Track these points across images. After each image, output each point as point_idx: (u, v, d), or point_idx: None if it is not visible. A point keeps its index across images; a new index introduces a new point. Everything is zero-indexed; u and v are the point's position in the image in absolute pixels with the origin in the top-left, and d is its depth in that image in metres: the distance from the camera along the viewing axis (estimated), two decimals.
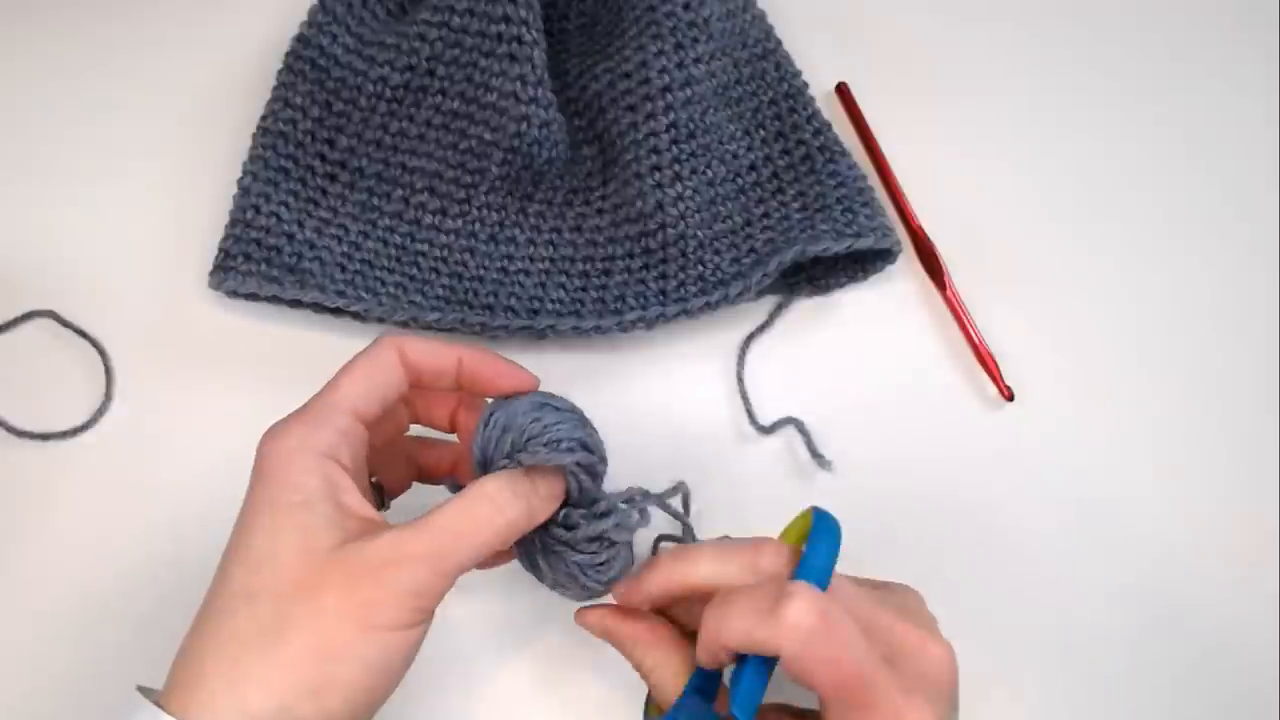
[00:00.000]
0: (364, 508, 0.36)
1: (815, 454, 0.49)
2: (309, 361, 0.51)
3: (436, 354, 0.39)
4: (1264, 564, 0.49)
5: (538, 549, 0.40)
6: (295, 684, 0.32)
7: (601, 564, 0.40)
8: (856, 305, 0.53)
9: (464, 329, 0.50)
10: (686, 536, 0.45)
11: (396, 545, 0.34)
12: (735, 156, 0.53)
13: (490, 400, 0.40)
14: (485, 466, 0.38)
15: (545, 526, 0.39)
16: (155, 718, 0.32)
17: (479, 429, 0.39)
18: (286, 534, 0.34)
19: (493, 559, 0.41)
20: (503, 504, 0.36)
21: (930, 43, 0.58)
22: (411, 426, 0.44)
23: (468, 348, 0.40)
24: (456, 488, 0.42)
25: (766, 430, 0.50)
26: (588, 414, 0.41)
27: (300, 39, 0.53)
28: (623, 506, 0.40)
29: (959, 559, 0.49)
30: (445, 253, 0.52)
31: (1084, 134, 0.56)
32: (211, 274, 0.50)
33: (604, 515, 0.39)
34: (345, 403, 0.37)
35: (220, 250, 0.50)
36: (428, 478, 0.44)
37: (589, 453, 0.39)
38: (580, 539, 0.39)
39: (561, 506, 0.39)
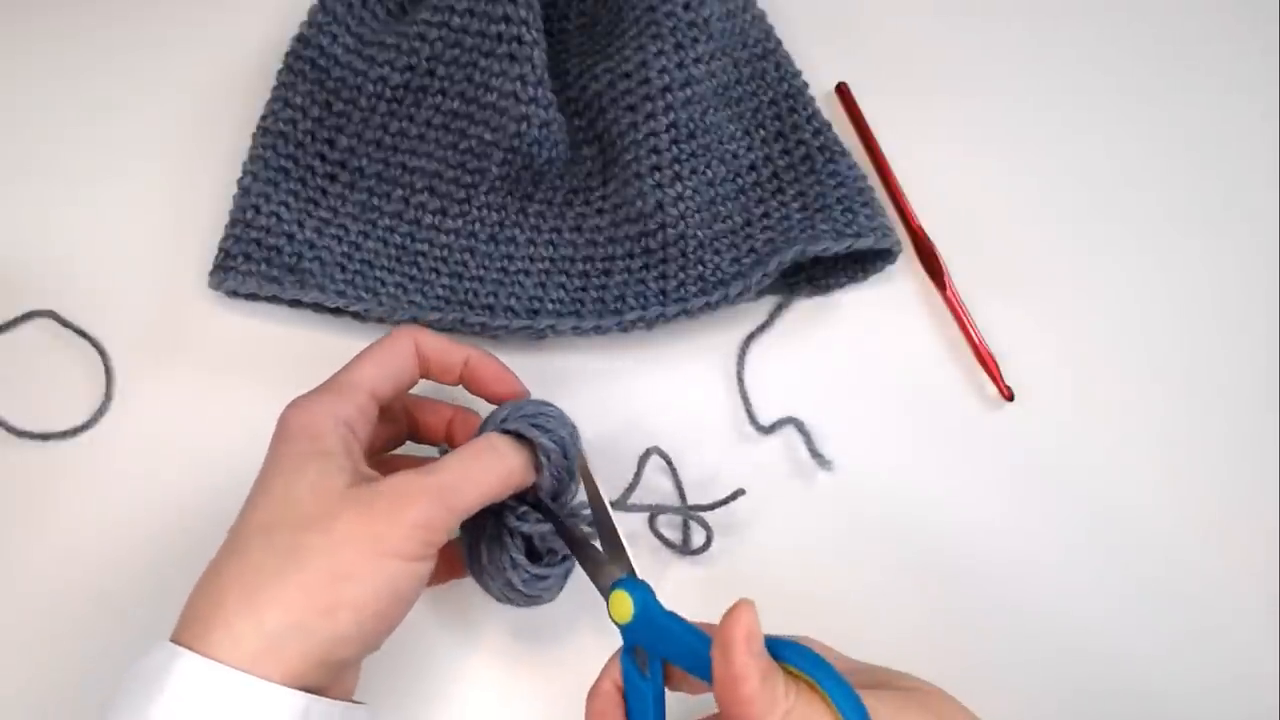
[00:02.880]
0: (372, 472, 0.38)
1: (815, 454, 0.49)
2: (309, 361, 0.51)
3: (447, 350, 0.42)
4: (1264, 563, 0.49)
5: (485, 534, 0.41)
6: (310, 604, 0.33)
7: (538, 575, 0.41)
8: (856, 305, 0.53)
9: (464, 329, 0.50)
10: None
11: (407, 480, 0.36)
12: (735, 156, 0.53)
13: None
14: None
15: (502, 515, 0.40)
16: (171, 652, 0.33)
17: (486, 421, 0.41)
18: (304, 475, 0.36)
19: (443, 574, 0.42)
20: (505, 453, 0.39)
21: (930, 43, 0.58)
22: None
23: (475, 349, 0.43)
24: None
25: (766, 430, 0.50)
26: (588, 414, 0.42)
27: (300, 39, 0.53)
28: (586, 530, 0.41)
29: (959, 559, 0.49)
30: (445, 253, 0.52)
31: (1084, 133, 0.56)
32: (211, 274, 0.50)
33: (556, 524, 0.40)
34: (365, 383, 0.40)
35: (220, 250, 0.50)
36: (422, 439, 0.45)
37: (564, 456, 0.40)
38: (531, 533, 0.40)
39: (525, 502, 0.41)
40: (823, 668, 0.31)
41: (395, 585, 0.35)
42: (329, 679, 0.35)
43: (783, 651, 0.32)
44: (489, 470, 0.38)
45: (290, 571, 0.34)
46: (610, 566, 0.39)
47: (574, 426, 0.42)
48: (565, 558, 0.42)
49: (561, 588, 0.42)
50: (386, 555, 0.35)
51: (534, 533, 0.40)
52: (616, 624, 0.37)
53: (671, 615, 0.36)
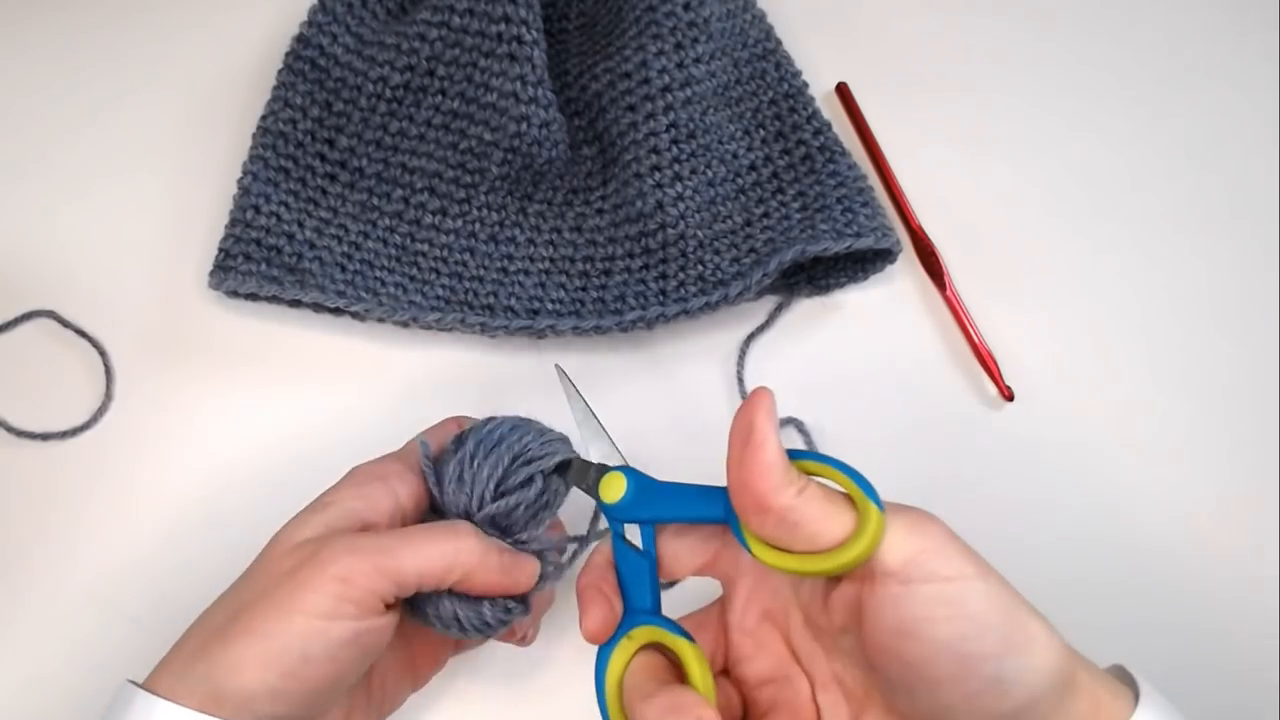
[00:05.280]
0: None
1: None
2: (309, 361, 0.52)
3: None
4: (1265, 563, 0.49)
5: None
6: (224, 659, 0.34)
7: (503, 618, 0.38)
8: (857, 305, 0.53)
9: (464, 329, 0.50)
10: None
11: (346, 538, 0.36)
12: (735, 156, 0.53)
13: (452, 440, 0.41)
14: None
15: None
16: (128, 691, 0.35)
17: (449, 473, 0.39)
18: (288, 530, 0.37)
19: (477, 640, 0.42)
20: (463, 534, 0.37)
21: (930, 43, 0.58)
22: None
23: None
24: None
25: None
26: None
27: (300, 39, 0.53)
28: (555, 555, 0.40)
29: None
30: (445, 253, 0.52)
31: (1084, 134, 0.56)
32: (211, 274, 0.50)
33: (530, 538, 0.39)
34: (410, 454, 0.41)
35: (220, 250, 0.50)
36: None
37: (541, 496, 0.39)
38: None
39: (507, 511, 0.39)
40: (834, 460, 0.33)
41: (302, 645, 0.34)
42: None
43: (793, 454, 0.33)
44: (435, 544, 0.36)
45: (226, 627, 0.35)
46: (598, 465, 0.39)
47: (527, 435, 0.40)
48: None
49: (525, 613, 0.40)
50: (294, 612, 0.34)
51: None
52: (607, 506, 0.37)
53: (666, 483, 0.37)
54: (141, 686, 0.35)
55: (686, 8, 0.51)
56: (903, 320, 0.53)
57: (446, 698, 0.46)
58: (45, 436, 0.50)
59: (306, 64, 0.52)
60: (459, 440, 0.40)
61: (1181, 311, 0.53)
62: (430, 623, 0.39)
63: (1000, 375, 0.51)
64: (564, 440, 0.41)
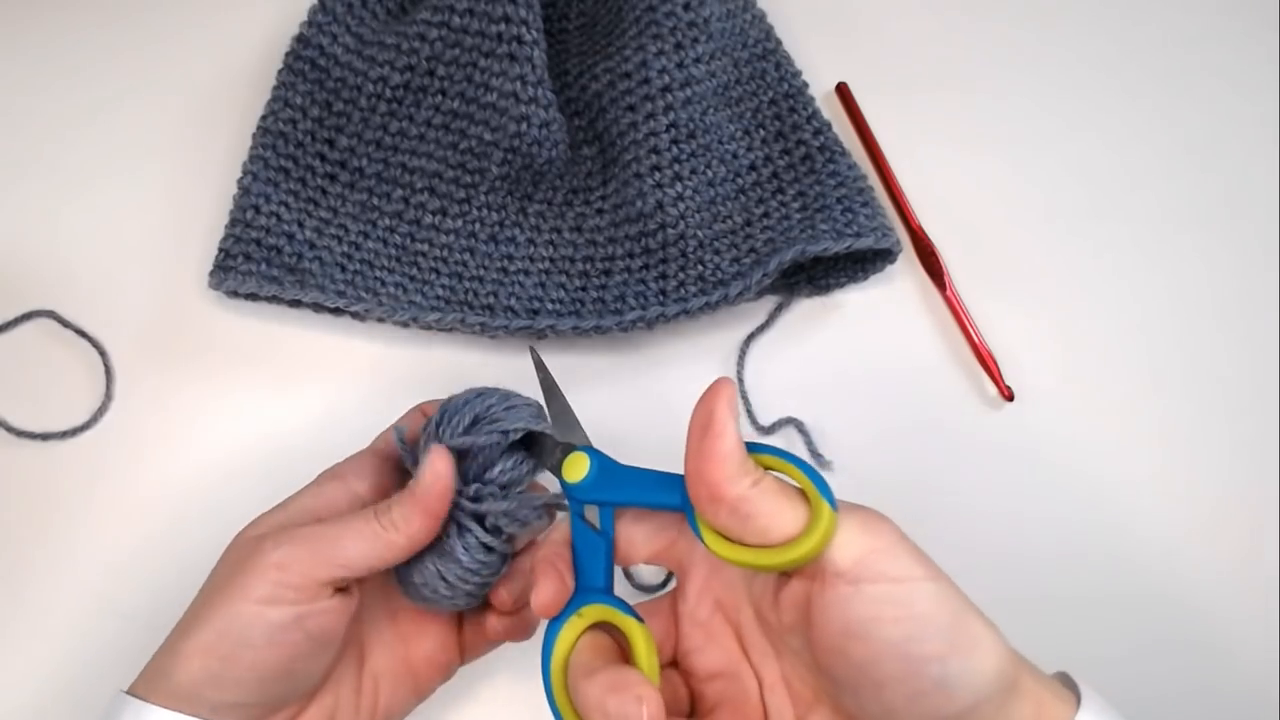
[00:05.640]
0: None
1: (815, 454, 0.49)
2: (309, 361, 0.52)
3: None
4: (1264, 563, 0.49)
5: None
6: (172, 648, 0.36)
7: (484, 545, 0.39)
8: (857, 305, 0.53)
9: (464, 329, 0.50)
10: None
11: (294, 529, 0.37)
12: (735, 156, 0.53)
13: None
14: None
15: (455, 501, 0.39)
16: (118, 698, 0.36)
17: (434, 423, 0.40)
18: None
19: (478, 645, 0.42)
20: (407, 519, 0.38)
21: (930, 43, 0.58)
22: None
23: None
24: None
25: (766, 430, 0.50)
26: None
27: (300, 39, 0.53)
28: (533, 500, 0.40)
29: (958, 558, 0.49)
30: (445, 253, 0.52)
31: (1084, 134, 0.56)
32: (211, 274, 0.50)
33: (511, 500, 0.39)
34: (378, 444, 0.42)
35: (220, 250, 0.50)
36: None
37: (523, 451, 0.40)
38: (482, 510, 0.39)
39: (474, 482, 0.39)
40: (791, 456, 0.33)
41: (240, 629, 0.35)
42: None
43: (752, 447, 0.33)
44: (369, 524, 0.37)
45: (184, 623, 0.37)
46: (564, 444, 0.39)
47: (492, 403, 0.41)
48: (507, 538, 0.40)
49: (498, 573, 0.40)
50: (236, 599, 0.35)
51: (489, 510, 0.39)
52: (569, 485, 0.37)
53: (628, 466, 0.37)
54: (127, 692, 0.36)
55: (686, 8, 0.51)
56: (903, 320, 0.53)
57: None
58: (45, 436, 0.50)
59: (306, 64, 0.52)
60: (429, 419, 0.41)
61: (1181, 311, 0.53)
62: (420, 594, 0.39)
63: (1000, 375, 0.51)
64: (530, 406, 0.41)
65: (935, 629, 0.31)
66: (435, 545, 0.39)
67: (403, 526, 0.37)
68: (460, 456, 0.39)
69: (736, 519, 0.32)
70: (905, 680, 0.30)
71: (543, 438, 0.40)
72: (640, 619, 0.35)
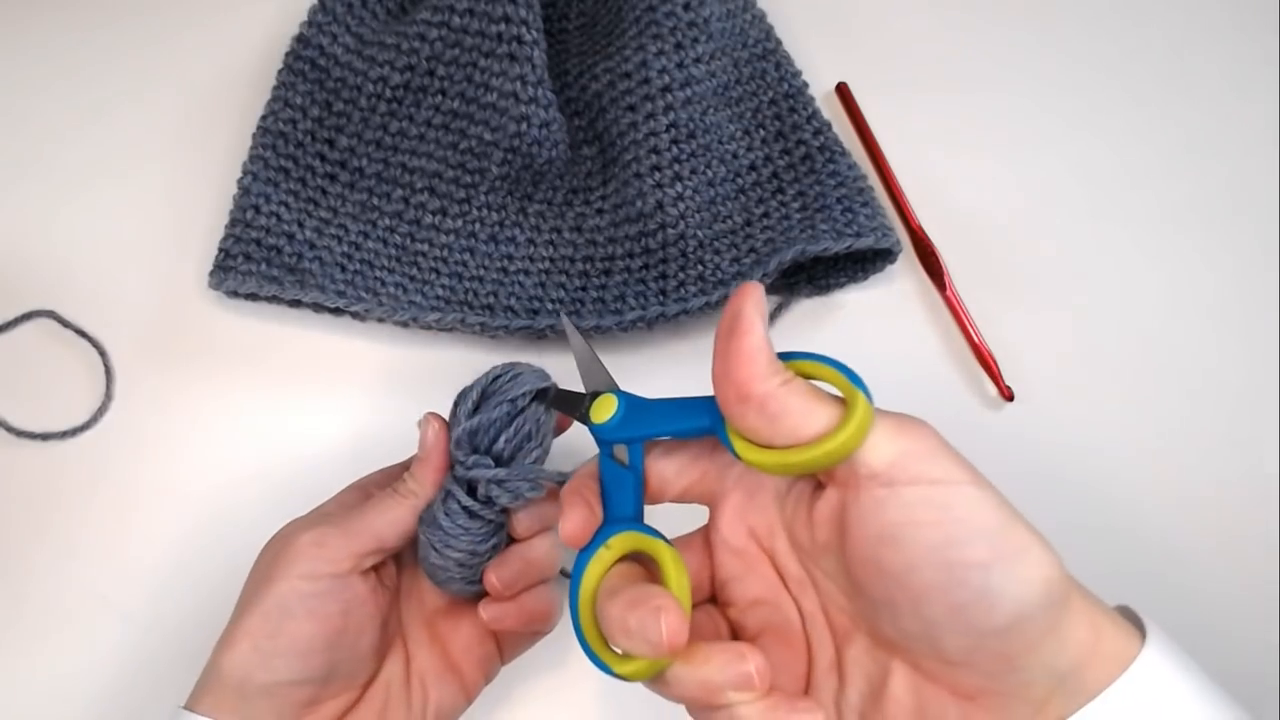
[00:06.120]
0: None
1: None
2: (309, 361, 0.52)
3: None
4: (1264, 563, 0.49)
5: (440, 501, 0.40)
6: (223, 643, 0.37)
7: (467, 511, 0.39)
8: (857, 305, 0.53)
9: (464, 329, 0.50)
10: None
11: (317, 518, 0.39)
12: (735, 156, 0.53)
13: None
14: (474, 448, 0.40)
15: (452, 468, 0.40)
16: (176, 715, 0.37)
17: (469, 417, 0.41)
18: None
19: (515, 639, 0.43)
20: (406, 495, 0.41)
21: (931, 43, 0.58)
22: None
23: None
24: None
25: None
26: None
27: (300, 39, 0.53)
28: (529, 471, 0.40)
29: None
30: (445, 253, 0.52)
31: (1084, 133, 0.56)
32: (211, 274, 0.50)
33: (506, 469, 0.39)
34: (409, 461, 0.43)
35: (220, 250, 0.50)
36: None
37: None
38: (472, 476, 0.39)
39: (478, 441, 0.40)
40: (820, 356, 0.31)
41: (281, 601, 0.37)
42: (286, 713, 0.37)
43: (784, 357, 0.32)
44: (397, 499, 0.40)
45: (227, 626, 0.38)
46: (590, 392, 0.38)
47: (512, 375, 0.41)
48: (499, 509, 0.40)
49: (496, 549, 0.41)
50: (275, 581, 0.37)
51: (478, 477, 0.39)
52: (595, 427, 0.36)
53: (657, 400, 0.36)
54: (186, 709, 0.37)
55: (686, 8, 0.51)
56: (903, 320, 0.53)
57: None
58: (45, 436, 0.50)
59: (306, 64, 0.52)
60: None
61: (1181, 311, 0.53)
62: (427, 570, 0.41)
63: (1000, 375, 0.51)
64: (536, 371, 0.41)
65: (977, 533, 0.29)
66: (430, 520, 0.40)
67: (417, 488, 0.40)
68: (474, 434, 0.40)
69: (765, 418, 0.30)
70: (945, 590, 0.28)
71: (564, 395, 0.40)
72: (668, 541, 0.34)
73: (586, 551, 0.35)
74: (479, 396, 0.40)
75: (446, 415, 0.41)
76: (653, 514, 0.36)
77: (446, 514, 0.39)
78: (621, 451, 0.36)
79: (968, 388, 0.52)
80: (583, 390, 0.39)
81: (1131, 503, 0.50)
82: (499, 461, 0.40)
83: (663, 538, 0.34)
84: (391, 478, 0.42)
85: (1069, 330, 0.53)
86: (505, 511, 0.40)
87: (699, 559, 0.36)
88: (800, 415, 0.29)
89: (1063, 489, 0.50)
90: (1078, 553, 0.49)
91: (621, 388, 0.38)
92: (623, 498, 0.35)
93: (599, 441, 0.36)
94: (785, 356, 0.32)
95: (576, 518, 0.34)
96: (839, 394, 0.31)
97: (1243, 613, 0.49)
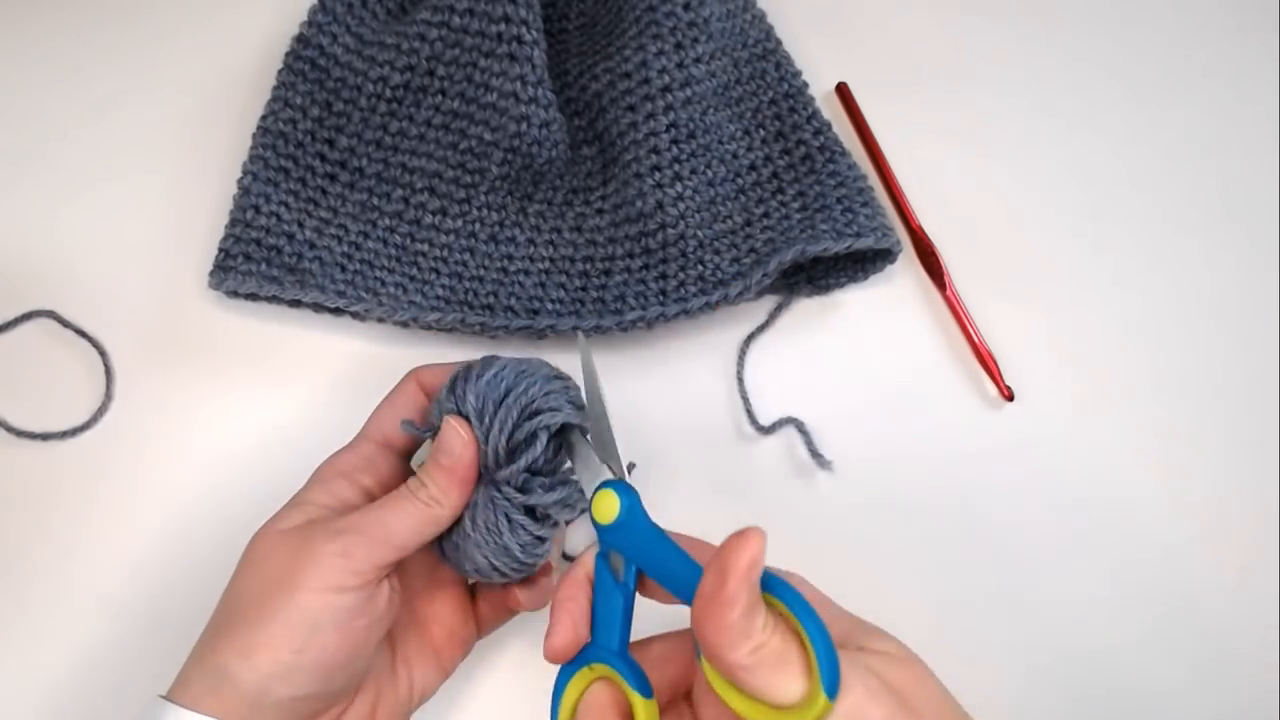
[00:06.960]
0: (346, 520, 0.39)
1: (815, 454, 0.49)
2: (309, 361, 0.52)
3: (442, 374, 0.43)
4: (1264, 563, 0.49)
5: (477, 506, 0.40)
6: (231, 649, 0.36)
7: (536, 538, 0.40)
8: (856, 305, 0.53)
9: (464, 329, 0.50)
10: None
11: (344, 518, 0.38)
12: (735, 156, 0.53)
13: (463, 368, 0.41)
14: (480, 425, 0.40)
15: (496, 486, 0.40)
16: (157, 705, 0.36)
17: (466, 388, 0.40)
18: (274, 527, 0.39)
19: (494, 617, 0.44)
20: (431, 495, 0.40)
21: (931, 43, 0.58)
22: None
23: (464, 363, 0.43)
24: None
25: (766, 430, 0.50)
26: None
27: (300, 39, 0.53)
28: (574, 479, 0.40)
29: (959, 559, 0.49)
30: (445, 253, 0.52)
31: (1084, 134, 0.56)
32: (211, 274, 0.50)
33: (557, 487, 0.40)
34: (373, 433, 0.42)
35: (220, 250, 0.50)
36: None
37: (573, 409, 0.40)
38: (532, 503, 0.39)
39: (524, 469, 0.40)
40: (808, 613, 0.31)
41: (310, 617, 0.36)
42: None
43: (773, 586, 0.32)
44: (413, 501, 0.39)
45: (231, 624, 0.37)
46: (600, 467, 0.39)
47: (549, 373, 0.41)
48: (556, 523, 0.41)
49: (552, 547, 0.42)
50: (298, 590, 0.36)
51: (539, 504, 0.39)
52: (597, 525, 0.37)
53: (656, 527, 0.36)
54: (167, 699, 0.36)
55: (686, 8, 0.51)
56: (903, 320, 0.53)
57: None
58: (45, 436, 0.50)
59: (306, 64, 0.52)
60: (455, 391, 0.40)
61: (1181, 311, 0.53)
62: (472, 575, 0.41)
63: (1000, 375, 0.51)
64: (568, 388, 0.41)
65: None
66: (486, 535, 0.39)
67: (444, 500, 0.39)
68: (513, 452, 0.40)
69: (735, 679, 0.31)
70: None
71: (576, 430, 0.40)
72: (648, 693, 0.35)
73: (569, 667, 0.36)
74: (518, 416, 0.39)
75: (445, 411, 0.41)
76: None
77: (521, 546, 0.39)
78: (618, 560, 0.36)
79: (968, 388, 0.52)
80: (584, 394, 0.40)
81: (1131, 502, 0.50)
82: (534, 471, 0.40)
83: (641, 685, 0.35)
84: (364, 458, 0.41)
85: (1069, 330, 0.53)
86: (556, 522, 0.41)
87: (679, 668, 0.37)
88: (766, 687, 0.30)
89: (1062, 489, 0.50)
90: (1077, 552, 0.49)
91: (621, 392, 0.38)
92: (610, 623, 0.36)
93: (599, 538, 0.37)
94: (768, 585, 0.31)
95: (563, 636, 0.36)
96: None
97: (1243, 611, 0.49)
